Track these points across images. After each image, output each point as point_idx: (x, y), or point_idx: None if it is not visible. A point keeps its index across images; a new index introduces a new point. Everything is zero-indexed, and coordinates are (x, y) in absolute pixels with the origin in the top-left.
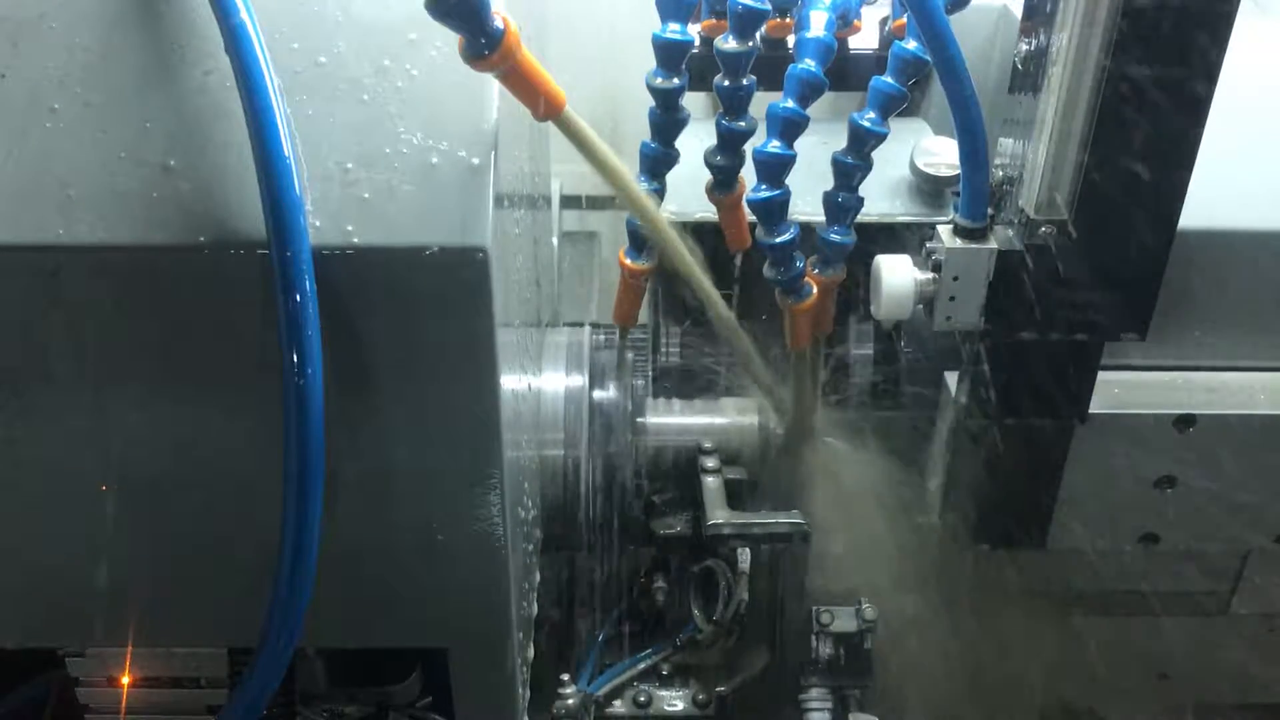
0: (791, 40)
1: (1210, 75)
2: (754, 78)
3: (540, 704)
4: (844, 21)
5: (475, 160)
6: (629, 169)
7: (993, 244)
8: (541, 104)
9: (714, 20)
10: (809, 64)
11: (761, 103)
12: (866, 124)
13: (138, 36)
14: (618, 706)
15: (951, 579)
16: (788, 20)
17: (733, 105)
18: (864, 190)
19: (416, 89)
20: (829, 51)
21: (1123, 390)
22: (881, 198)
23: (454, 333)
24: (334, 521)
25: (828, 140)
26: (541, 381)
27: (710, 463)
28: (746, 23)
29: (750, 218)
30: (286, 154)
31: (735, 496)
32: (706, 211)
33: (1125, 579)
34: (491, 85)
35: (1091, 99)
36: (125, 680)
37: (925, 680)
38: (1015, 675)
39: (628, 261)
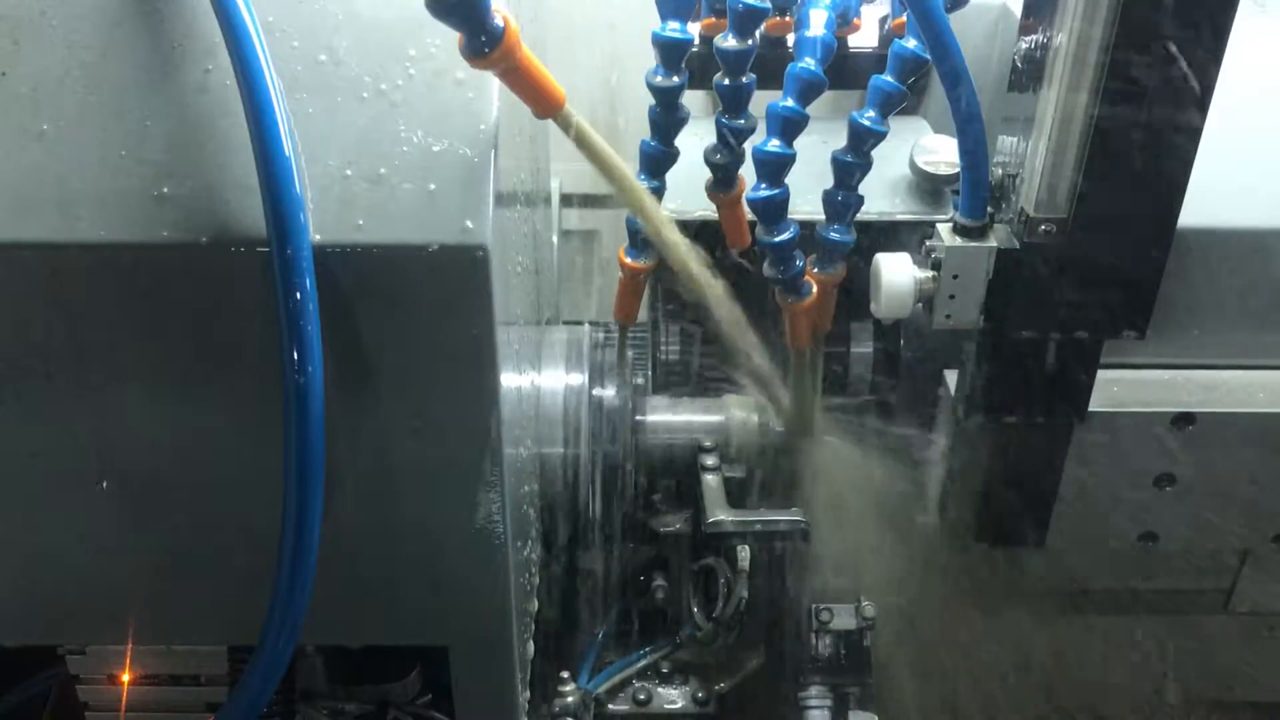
0: (791, 39)
1: (1210, 74)
2: (754, 76)
3: (540, 702)
4: (844, 20)
5: (475, 158)
6: (629, 167)
7: (992, 242)
8: (541, 102)
9: (714, 18)
10: (809, 62)
11: (761, 101)
12: (866, 122)
13: (138, 35)
14: (618, 704)
15: (950, 578)
16: (787, 19)
17: (732, 104)
18: (864, 189)
19: (416, 87)
20: (829, 50)
21: (1122, 388)
22: (881, 196)
23: (454, 331)
24: (334, 519)
25: (827, 139)
26: (541, 379)
27: (710, 460)
28: (746, 21)
29: (750, 216)
30: (287, 152)
31: (735, 494)
32: (706, 210)
33: (1124, 577)
34: (491, 83)
35: (1091, 97)
36: (125, 678)
37: (925, 679)
38: (1014, 674)
39: (628, 260)
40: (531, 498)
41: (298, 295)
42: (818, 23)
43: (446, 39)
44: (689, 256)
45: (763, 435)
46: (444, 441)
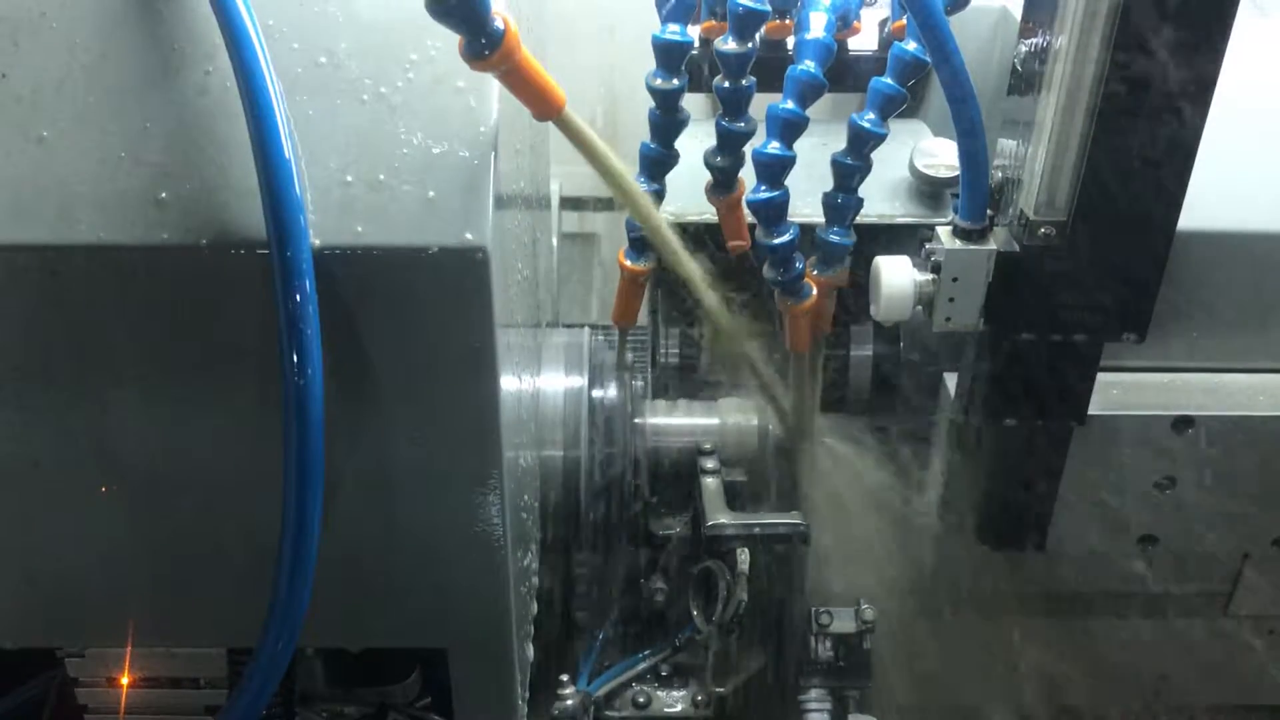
0: (791, 42)
1: (1210, 75)
2: (753, 79)
3: (540, 704)
4: (843, 23)
5: (475, 160)
6: (628, 170)
7: (992, 245)
8: (541, 104)
9: (714, 21)
10: (808, 65)
11: (761, 104)
12: (866, 125)
13: (138, 36)
14: (617, 707)
15: (951, 581)
16: (787, 22)
17: (732, 106)
18: (863, 191)
19: (416, 89)
20: (828, 53)
21: (1122, 391)
22: (881, 199)
23: (454, 333)
24: (333, 522)
25: (827, 141)
26: (541, 382)
27: (709, 463)
28: (746, 24)
29: (750, 219)
30: (287, 154)
31: (734, 497)
32: (706, 212)
33: (1125, 580)
34: (491, 85)
35: (1091, 100)
36: (124, 680)
37: (925, 681)
38: (1015, 676)
39: (627, 263)
40: (531, 505)
41: (297, 298)
42: (817, 25)
43: (447, 41)
44: (688, 259)
45: (762, 438)
46: (444, 444)
